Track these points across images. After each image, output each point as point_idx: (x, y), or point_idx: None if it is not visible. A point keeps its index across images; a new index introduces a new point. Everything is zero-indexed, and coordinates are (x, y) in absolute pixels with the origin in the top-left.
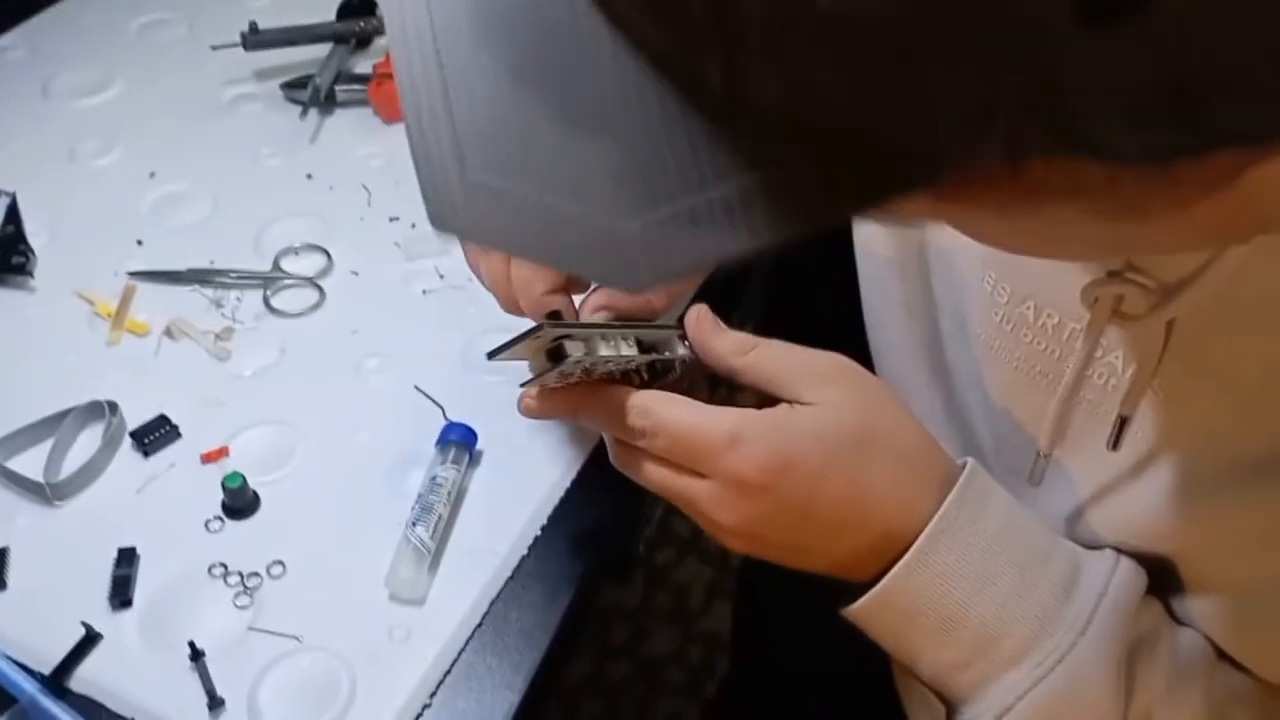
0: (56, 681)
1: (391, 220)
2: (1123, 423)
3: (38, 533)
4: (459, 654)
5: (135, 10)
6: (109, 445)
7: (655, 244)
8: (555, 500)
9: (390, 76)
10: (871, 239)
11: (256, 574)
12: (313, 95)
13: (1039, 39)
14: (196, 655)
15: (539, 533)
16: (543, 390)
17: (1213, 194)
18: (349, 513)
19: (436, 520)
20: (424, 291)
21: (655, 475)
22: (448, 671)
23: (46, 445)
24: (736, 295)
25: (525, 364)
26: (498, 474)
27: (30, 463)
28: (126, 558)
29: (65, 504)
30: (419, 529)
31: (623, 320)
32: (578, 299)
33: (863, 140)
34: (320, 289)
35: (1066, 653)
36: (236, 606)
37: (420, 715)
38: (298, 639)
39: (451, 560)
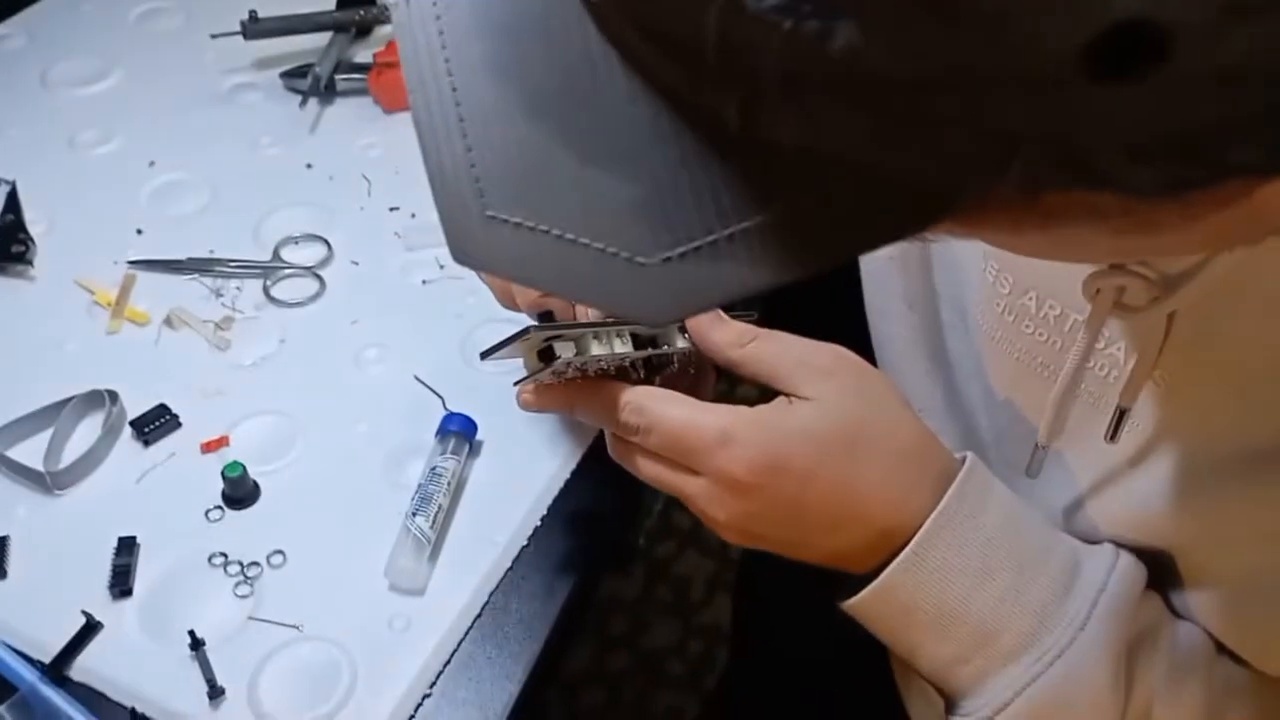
0: (57, 670)
1: (391, 210)
2: (1121, 414)
3: (38, 522)
4: (459, 644)
5: None
6: (109, 434)
7: (674, 279)
8: (555, 490)
9: (391, 66)
10: None
11: (257, 563)
12: (312, 84)
13: (1051, 92)
14: (197, 644)
15: (539, 523)
16: (539, 386)
17: (1225, 208)
18: (349, 503)
19: (436, 510)
20: (424, 281)
21: (650, 470)
22: (448, 661)
23: (46, 434)
24: None
25: (521, 361)
26: (497, 464)
27: (30, 452)
28: (126, 547)
29: (65, 493)
30: (419, 519)
31: (619, 316)
32: None
33: (880, 178)
34: (320, 279)
35: (1066, 648)
36: (237, 596)
37: (420, 705)
38: (298, 628)
39: (451, 550)
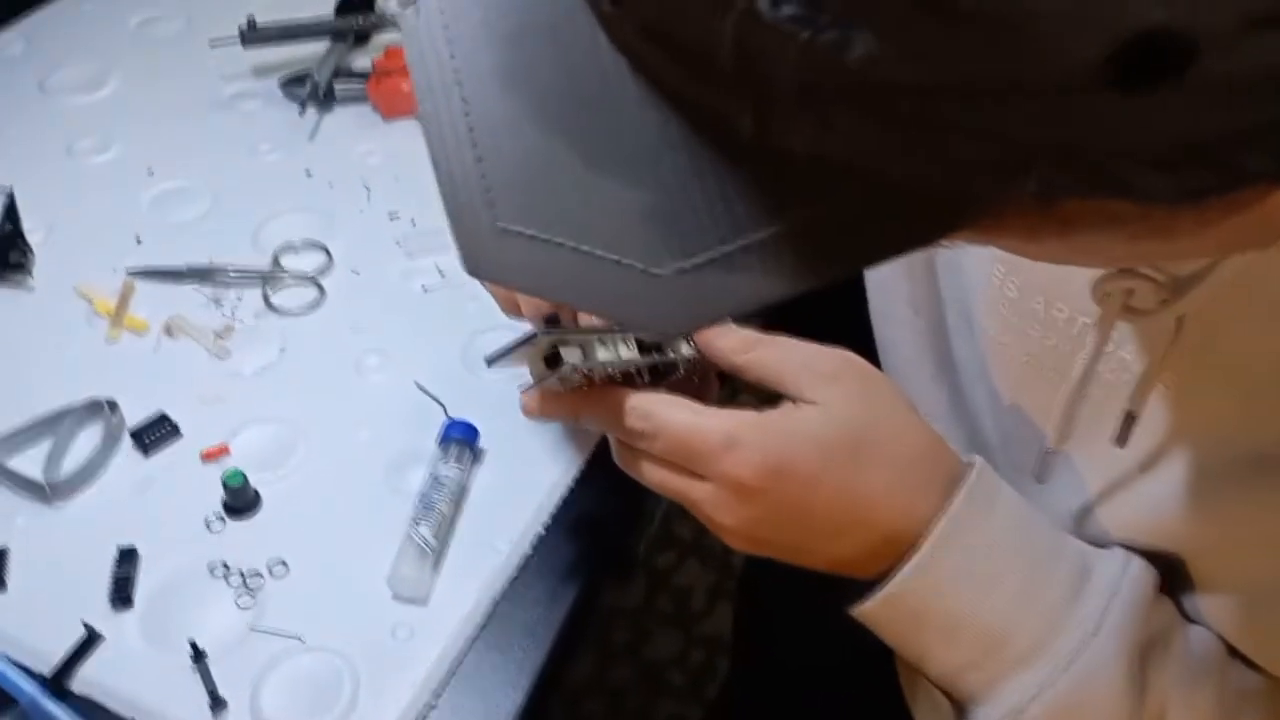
0: (57, 682)
1: (392, 218)
2: (1130, 418)
3: (37, 533)
4: (463, 653)
5: (132, 7)
6: (108, 444)
7: (689, 290)
8: (558, 497)
9: (390, 73)
10: None
11: (258, 573)
12: (311, 92)
13: (1072, 101)
14: (198, 655)
15: (542, 530)
16: (544, 393)
17: (1239, 213)
18: (351, 511)
19: (439, 518)
20: (424, 289)
21: (655, 476)
22: (452, 671)
23: (46, 445)
24: None
25: (525, 369)
26: (499, 472)
27: (29, 462)
28: (127, 557)
29: (65, 504)
30: (422, 527)
31: (633, 328)
32: None
33: (894, 187)
34: (320, 286)
35: (1079, 653)
36: (238, 606)
37: (425, 716)
38: (300, 639)
39: (454, 558)
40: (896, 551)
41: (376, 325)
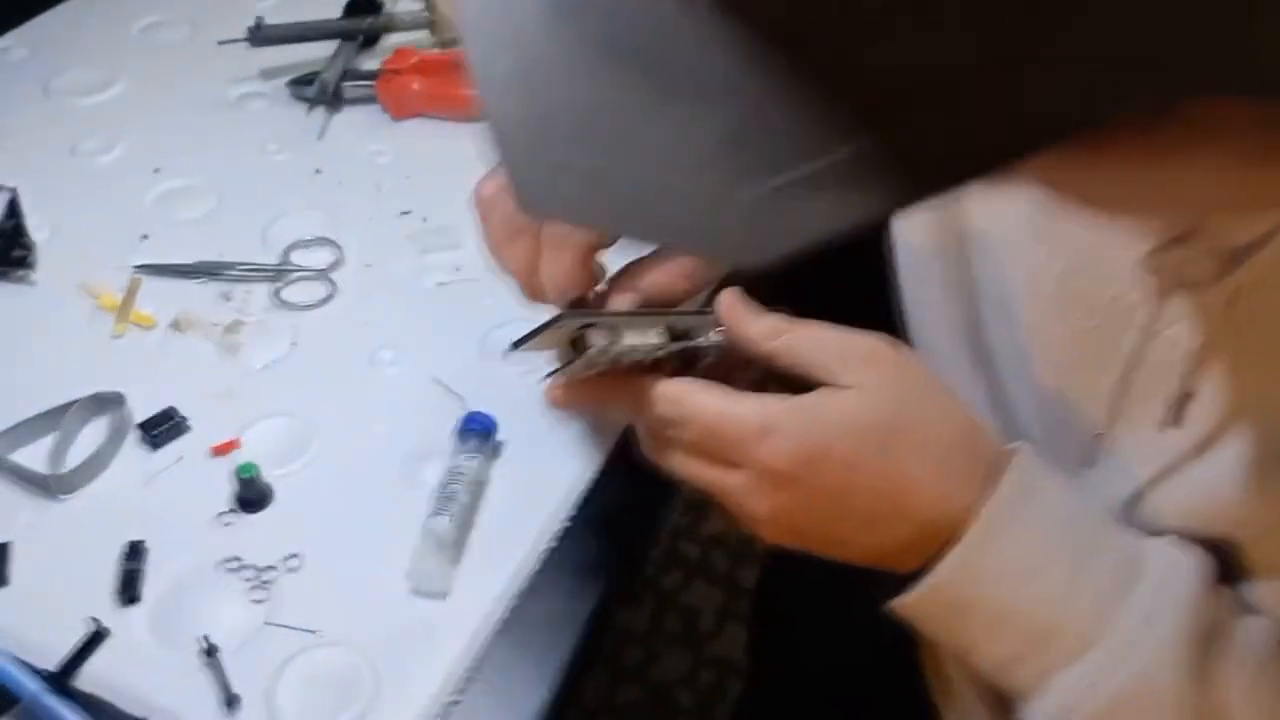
0: (61, 679)
1: (403, 214)
2: (1186, 397)
3: (42, 527)
4: (485, 648)
5: (137, 12)
6: (115, 437)
7: (769, 215)
8: (580, 490)
9: (399, 73)
10: (909, 228)
11: (272, 567)
12: (319, 92)
13: None
14: (211, 651)
15: (567, 523)
16: (570, 380)
17: None
18: (366, 504)
19: (460, 509)
20: (438, 284)
21: (686, 466)
22: (474, 666)
23: (50, 438)
24: (766, 277)
25: (546, 356)
26: (518, 465)
27: (34, 456)
28: (135, 552)
29: (70, 497)
30: (442, 519)
31: (649, 306)
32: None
33: (991, 99)
34: (331, 281)
35: (1135, 645)
36: (252, 601)
37: (448, 712)
38: (316, 633)
39: (474, 552)
40: (935, 542)
41: (390, 320)
